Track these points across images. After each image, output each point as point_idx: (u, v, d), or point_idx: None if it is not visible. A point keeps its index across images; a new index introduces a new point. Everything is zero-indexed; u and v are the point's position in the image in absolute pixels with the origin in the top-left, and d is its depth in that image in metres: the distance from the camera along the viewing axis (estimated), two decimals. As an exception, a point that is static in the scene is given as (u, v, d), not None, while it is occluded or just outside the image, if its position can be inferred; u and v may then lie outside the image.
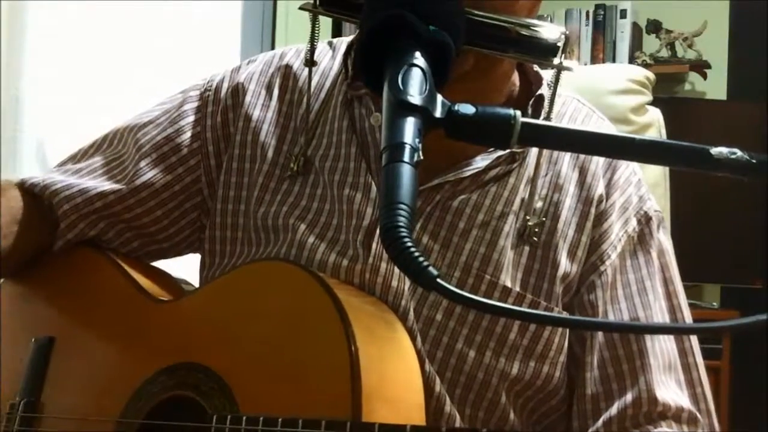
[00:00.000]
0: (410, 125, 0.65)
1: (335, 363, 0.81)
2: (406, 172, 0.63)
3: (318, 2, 0.87)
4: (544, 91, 0.98)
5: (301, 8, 0.88)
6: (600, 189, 0.98)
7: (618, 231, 0.97)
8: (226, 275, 0.98)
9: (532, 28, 0.83)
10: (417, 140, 0.65)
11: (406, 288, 0.92)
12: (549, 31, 0.83)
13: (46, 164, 2.44)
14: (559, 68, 0.86)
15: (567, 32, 0.84)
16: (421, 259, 0.58)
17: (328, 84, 1.01)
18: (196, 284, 1.06)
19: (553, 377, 0.94)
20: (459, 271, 0.93)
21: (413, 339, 0.90)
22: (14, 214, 1.01)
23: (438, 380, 0.91)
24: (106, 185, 1.03)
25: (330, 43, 1.07)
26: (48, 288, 1.06)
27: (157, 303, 0.98)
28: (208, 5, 2.99)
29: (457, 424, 0.91)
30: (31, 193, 1.05)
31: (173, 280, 1.08)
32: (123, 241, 1.05)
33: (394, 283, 0.91)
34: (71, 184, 1.04)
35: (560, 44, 0.83)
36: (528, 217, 0.95)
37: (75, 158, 1.10)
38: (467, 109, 0.68)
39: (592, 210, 0.97)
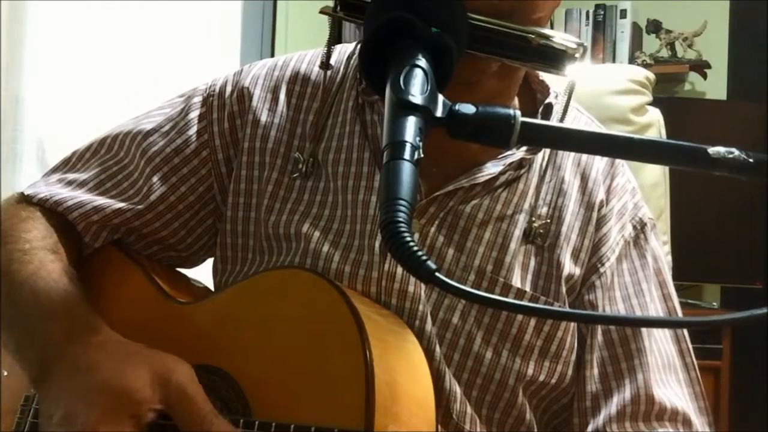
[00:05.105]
0: (411, 124, 0.66)
1: (351, 374, 0.81)
2: (407, 169, 0.63)
3: (338, 7, 0.87)
4: (552, 99, 1.00)
5: (321, 12, 0.88)
6: (601, 195, 1.00)
7: (616, 235, 0.99)
8: (245, 281, 0.98)
9: (551, 39, 0.83)
10: (418, 139, 0.65)
11: (423, 292, 0.92)
12: (567, 41, 0.84)
13: (46, 164, 2.44)
14: (572, 87, 0.89)
15: (585, 44, 0.85)
16: (420, 253, 0.58)
17: (336, 88, 1.01)
18: (209, 286, 1.06)
19: (567, 376, 0.96)
20: (474, 275, 0.94)
21: (431, 343, 0.91)
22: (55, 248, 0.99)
23: (456, 383, 0.91)
24: (121, 203, 1.02)
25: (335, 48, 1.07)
26: None
27: (177, 304, 0.97)
28: (208, 5, 2.99)
29: (477, 426, 0.92)
30: (50, 210, 1.02)
31: (192, 282, 1.08)
32: (142, 246, 1.05)
33: (411, 288, 0.92)
34: (82, 202, 1.02)
35: (578, 55, 0.84)
36: (533, 219, 0.96)
37: (70, 163, 1.07)
38: (468, 108, 0.69)
39: (594, 215, 0.99)
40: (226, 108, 1.03)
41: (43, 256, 0.96)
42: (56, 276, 0.95)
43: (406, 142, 0.64)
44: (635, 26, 3.61)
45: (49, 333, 0.90)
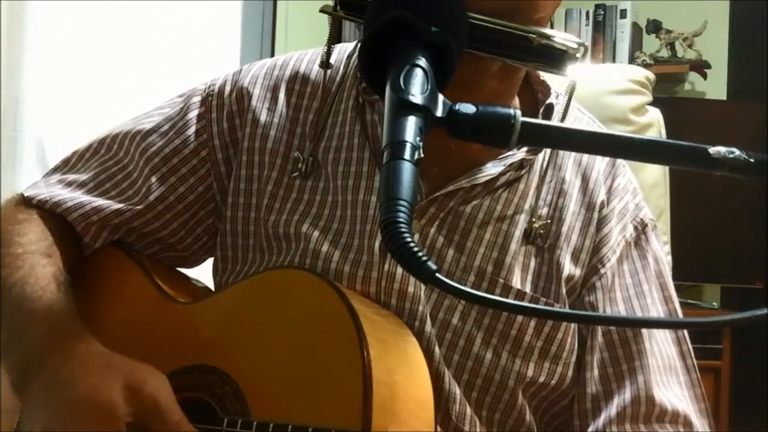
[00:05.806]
0: (411, 124, 0.66)
1: (348, 374, 0.81)
2: (407, 169, 0.63)
3: (338, 6, 0.87)
4: (553, 100, 1.00)
5: (321, 11, 0.88)
6: (602, 195, 1.00)
7: (617, 236, 0.99)
8: (244, 281, 0.97)
9: (552, 39, 0.83)
10: (418, 139, 0.65)
11: (422, 293, 0.92)
12: (568, 41, 0.84)
13: (46, 164, 2.44)
14: (573, 88, 0.89)
15: (586, 44, 0.85)
16: (420, 253, 0.58)
17: (336, 87, 1.01)
18: (209, 285, 1.06)
19: (567, 377, 0.96)
20: (474, 276, 0.94)
21: (430, 344, 0.91)
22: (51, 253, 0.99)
23: (455, 384, 0.91)
24: (120, 204, 1.02)
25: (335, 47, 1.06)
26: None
27: (177, 304, 0.98)
28: (208, 5, 2.99)
29: (477, 427, 0.92)
30: (50, 212, 1.02)
31: (192, 282, 1.08)
32: (143, 246, 1.05)
33: (411, 289, 0.92)
34: (82, 203, 1.02)
35: (579, 55, 0.84)
36: (534, 220, 0.96)
37: (70, 163, 1.08)
38: (468, 108, 0.68)
39: (595, 215, 0.99)
40: (225, 108, 1.03)
41: (35, 261, 0.96)
42: (44, 282, 0.94)
43: (406, 141, 0.64)
44: (635, 26, 3.61)
45: (30, 340, 0.90)
